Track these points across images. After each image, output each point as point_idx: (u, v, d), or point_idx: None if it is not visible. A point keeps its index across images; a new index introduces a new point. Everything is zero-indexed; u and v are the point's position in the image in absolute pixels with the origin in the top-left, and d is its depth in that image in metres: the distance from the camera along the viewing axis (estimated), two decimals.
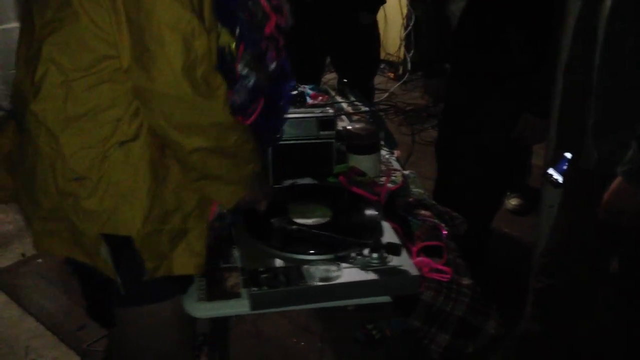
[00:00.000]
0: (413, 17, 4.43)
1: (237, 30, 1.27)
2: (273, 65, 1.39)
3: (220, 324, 1.71)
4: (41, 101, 1.18)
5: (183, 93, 1.14)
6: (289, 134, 1.65)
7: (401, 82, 4.69)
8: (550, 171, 1.94)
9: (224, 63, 1.25)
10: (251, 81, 1.31)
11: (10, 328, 2.45)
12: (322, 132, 1.69)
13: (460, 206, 1.76)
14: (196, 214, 1.31)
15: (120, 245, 1.24)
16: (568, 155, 1.83)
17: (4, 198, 1.38)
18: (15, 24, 3.21)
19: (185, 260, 1.30)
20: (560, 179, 1.91)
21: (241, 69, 1.29)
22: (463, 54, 2.35)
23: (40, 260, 2.80)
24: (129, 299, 1.31)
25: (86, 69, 1.16)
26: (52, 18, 1.16)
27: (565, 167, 1.87)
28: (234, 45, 1.27)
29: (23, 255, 2.85)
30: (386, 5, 3.37)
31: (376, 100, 4.15)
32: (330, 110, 1.74)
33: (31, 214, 1.27)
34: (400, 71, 4.79)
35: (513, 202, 3.27)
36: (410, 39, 4.57)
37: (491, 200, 2.65)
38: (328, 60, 3.34)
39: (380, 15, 3.42)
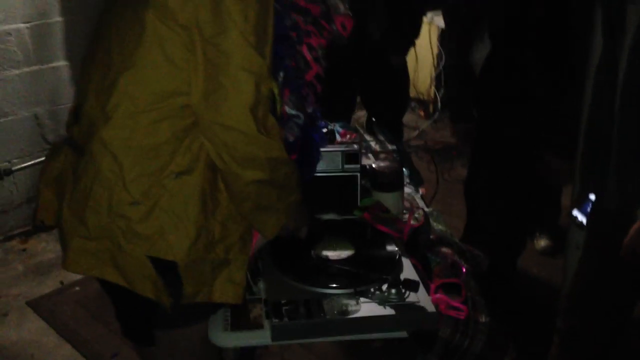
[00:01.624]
0: (444, 57, 4.50)
1: (281, 76, 1.40)
2: (310, 110, 1.53)
3: (245, 353, 1.76)
4: (111, 129, 1.28)
5: (248, 129, 1.26)
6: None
7: (431, 120, 4.74)
8: (575, 212, 1.95)
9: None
10: (301, 120, 1.43)
11: (47, 354, 2.53)
12: (347, 166, 1.76)
13: (487, 243, 1.79)
14: (239, 246, 1.40)
15: (163, 269, 1.32)
16: (592, 196, 1.84)
17: (49, 220, 1.47)
18: (63, 62, 3.38)
19: (225, 289, 1.38)
20: (584, 220, 1.92)
21: (289, 110, 1.41)
22: (487, 101, 2.40)
23: (77, 288, 2.90)
24: (166, 321, 1.39)
25: (154, 104, 1.27)
26: (131, 53, 1.27)
27: (589, 209, 1.88)
28: (277, 91, 1.39)
29: (62, 283, 2.96)
30: (417, 44, 3.45)
31: (406, 137, 4.21)
32: (356, 145, 1.81)
33: (72, 233, 1.34)
34: (431, 109, 4.85)
35: (542, 242, 3.25)
36: (441, 78, 4.63)
37: (516, 240, 2.66)
38: (358, 98, 3.43)
39: (411, 54, 3.50)
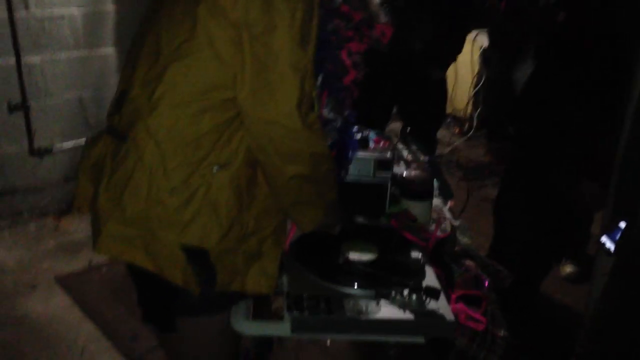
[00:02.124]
0: (483, 76, 4.49)
1: (320, 79, 1.44)
2: (347, 113, 1.58)
3: (264, 344, 1.80)
4: (157, 117, 1.33)
5: (294, 124, 1.30)
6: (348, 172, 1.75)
7: (465, 137, 4.74)
8: (604, 239, 1.95)
9: None
10: (339, 123, 1.46)
11: (70, 330, 2.60)
12: (378, 173, 1.78)
13: (511, 263, 1.80)
14: (272, 239, 1.44)
15: (194, 257, 1.36)
16: (622, 224, 1.84)
17: (85, 208, 1.52)
18: (111, 50, 3.48)
19: (258, 280, 1.43)
20: (612, 247, 1.91)
21: (327, 113, 1.46)
22: (526, 122, 2.41)
23: (105, 269, 2.98)
24: (190, 309, 1.43)
25: (199, 96, 1.32)
26: (180, 46, 1.31)
27: (618, 236, 1.88)
28: (314, 93, 1.42)
29: (90, 262, 3.04)
30: (458, 62, 3.46)
31: (439, 152, 4.21)
32: (389, 154, 1.84)
33: (108, 217, 1.38)
34: (466, 127, 4.84)
35: (567, 269, 3.22)
36: (479, 97, 4.63)
37: (540, 263, 2.65)
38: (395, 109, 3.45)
39: (451, 71, 3.52)
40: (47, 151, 3.35)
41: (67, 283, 2.88)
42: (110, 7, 3.40)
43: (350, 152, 1.74)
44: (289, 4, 1.26)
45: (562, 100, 2.25)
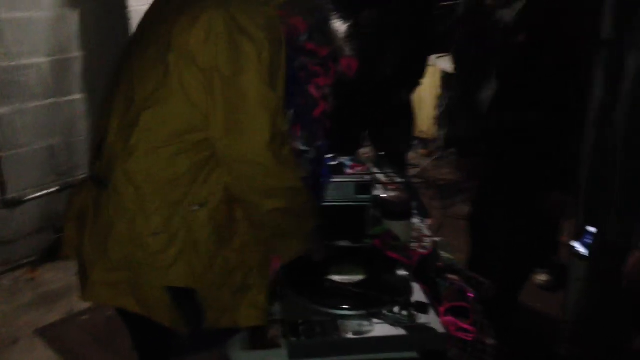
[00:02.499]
0: (445, 98, 4.64)
1: (291, 113, 1.49)
2: (319, 144, 1.62)
3: None
4: (134, 162, 1.36)
5: (267, 161, 1.34)
6: (328, 197, 1.80)
7: (433, 158, 4.85)
8: (575, 245, 2.03)
9: None
10: (312, 154, 1.52)
11: None
12: (359, 196, 1.84)
13: (490, 277, 1.86)
14: (257, 271, 1.47)
15: (180, 297, 1.38)
16: (592, 229, 1.92)
17: (71, 254, 1.53)
18: (80, 96, 3.50)
19: (249, 313, 1.45)
20: (585, 252, 2.00)
21: (300, 145, 1.51)
22: (494, 139, 2.50)
23: (86, 316, 2.94)
24: (185, 348, 1.45)
25: (173, 139, 1.35)
26: (153, 92, 1.35)
27: (589, 241, 1.96)
28: (286, 127, 1.47)
29: (70, 311, 2.99)
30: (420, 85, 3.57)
31: (408, 174, 4.30)
32: (367, 177, 1.90)
33: (94, 264, 1.40)
34: (432, 148, 4.97)
35: (542, 277, 3.32)
36: (442, 118, 4.76)
37: (518, 274, 2.72)
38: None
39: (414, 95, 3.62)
40: (19, 202, 3.32)
41: (48, 334, 2.83)
42: (76, 54, 3.42)
43: (323, 181, 1.78)
44: (255, 46, 1.31)
45: (527, 116, 2.34)
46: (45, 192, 3.43)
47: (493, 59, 2.34)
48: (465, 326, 1.52)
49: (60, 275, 3.30)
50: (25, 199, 3.36)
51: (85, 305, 3.02)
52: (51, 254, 3.43)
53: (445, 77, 4.58)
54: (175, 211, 1.36)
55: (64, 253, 1.53)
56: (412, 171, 4.59)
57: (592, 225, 1.93)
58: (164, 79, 1.34)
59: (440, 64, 4.45)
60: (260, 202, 1.39)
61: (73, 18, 3.36)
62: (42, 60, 3.29)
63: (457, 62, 2.69)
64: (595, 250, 1.94)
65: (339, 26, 1.59)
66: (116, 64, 1.51)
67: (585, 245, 2.01)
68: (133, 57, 1.45)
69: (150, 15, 1.50)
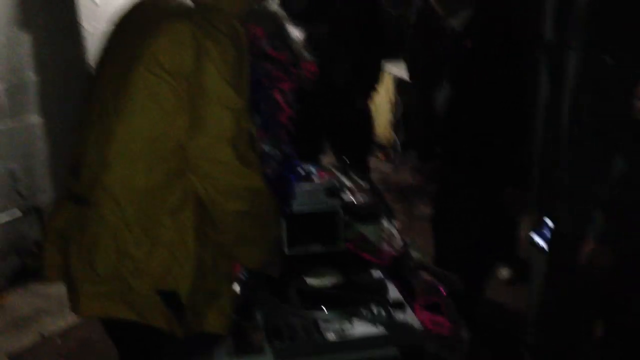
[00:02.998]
0: (400, 103, 4.76)
1: (257, 118, 1.54)
2: (285, 149, 1.68)
3: None
4: (111, 176, 1.40)
5: (228, 158, 1.38)
6: (299, 204, 1.86)
7: (392, 162, 4.97)
8: (534, 237, 2.13)
9: None
10: (278, 157, 1.56)
11: None
12: (328, 201, 1.91)
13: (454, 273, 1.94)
14: (227, 278, 1.51)
15: (169, 299, 1.42)
16: (548, 221, 2.03)
17: (54, 276, 1.54)
18: (36, 118, 3.47)
19: (217, 320, 1.48)
20: (543, 244, 2.10)
21: (268, 149, 1.56)
22: (450, 141, 2.60)
23: (59, 340, 2.92)
24: (174, 356, 1.48)
25: (147, 148, 1.39)
26: (125, 105, 1.39)
27: (547, 233, 2.06)
28: (254, 131, 1.52)
29: (42, 335, 2.96)
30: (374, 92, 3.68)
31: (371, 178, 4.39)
32: (335, 182, 1.97)
33: (83, 280, 1.43)
34: (390, 152, 5.08)
35: (504, 272, 3.44)
36: (398, 123, 4.88)
37: (482, 270, 2.83)
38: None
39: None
40: None
41: (22, 359, 2.80)
42: (31, 77, 3.39)
43: (291, 186, 1.84)
44: (220, 48, 1.37)
45: (479, 116, 2.46)
46: (8, 217, 3.37)
47: (444, 65, 2.44)
48: (441, 320, 1.60)
49: (28, 300, 3.26)
50: None
51: (57, 328, 3.00)
52: (18, 279, 3.39)
53: (399, 83, 4.71)
54: (154, 219, 1.40)
55: (48, 275, 1.54)
56: (373, 176, 4.69)
57: (545, 216, 2.02)
58: (134, 90, 1.39)
59: (394, 70, 4.57)
60: (224, 202, 1.42)
61: (26, 41, 3.33)
62: None
63: (409, 68, 2.79)
64: (552, 242, 2.03)
65: (297, 33, 1.67)
66: (86, 85, 1.55)
67: (542, 237, 2.11)
68: (102, 75, 1.49)
69: (114, 34, 1.55)
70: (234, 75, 1.39)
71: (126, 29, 1.51)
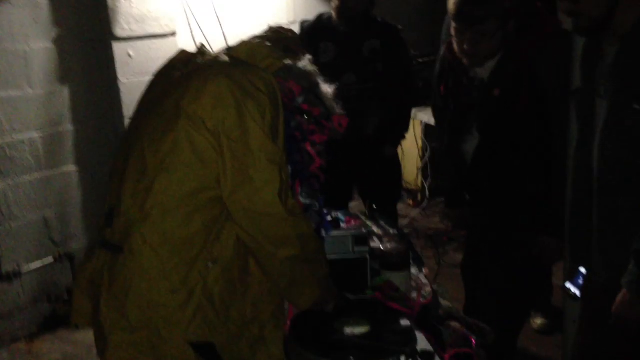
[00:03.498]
0: (428, 149, 4.77)
1: (290, 169, 1.58)
2: (319, 197, 1.73)
3: None
4: (150, 225, 1.43)
5: (279, 212, 1.44)
6: (328, 251, 1.84)
7: (421, 208, 4.94)
8: (568, 285, 2.09)
9: None
10: (317, 207, 1.60)
11: None
12: (357, 248, 1.91)
13: (487, 323, 1.91)
14: (273, 323, 1.53)
15: (203, 351, 1.42)
16: (582, 269, 1.99)
17: (82, 322, 1.58)
18: (73, 168, 3.55)
19: None
20: (577, 292, 2.05)
21: (303, 199, 1.59)
22: (480, 188, 2.59)
23: None
24: None
25: (187, 199, 1.44)
26: (165, 157, 1.45)
27: (581, 281, 2.02)
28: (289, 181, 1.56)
29: None
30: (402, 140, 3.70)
31: (400, 225, 4.37)
32: (364, 229, 1.96)
33: (113, 327, 1.44)
34: (419, 198, 5.06)
35: (538, 321, 3.35)
36: (427, 169, 4.88)
37: (515, 318, 2.77)
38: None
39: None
40: (15, 275, 3.32)
41: None
42: (68, 127, 3.50)
43: (325, 232, 1.87)
44: (260, 108, 1.44)
45: (509, 164, 2.45)
46: (41, 263, 3.43)
47: (471, 113, 2.45)
48: None
49: (57, 346, 3.29)
50: (22, 271, 3.36)
51: None
52: (48, 326, 3.42)
53: (427, 129, 4.72)
54: (192, 268, 1.43)
55: (75, 320, 1.57)
56: (400, 222, 4.66)
57: (580, 265, 1.99)
58: (176, 144, 1.44)
59: (422, 116, 4.59)
60: (274, 251, 1.47)
61: (64, 93, 3.45)
62: (34, 135, 3.36)
63: (436, 118, 2.80)
64: (585, 291, 1.99)
65: (328, 88, 1.71)
66: (124, 135, 1.61)
67: (577, 285, 2.07)
68: (140, 127, 1.55)
69: (153, 87, 1.61)
70: (273, 130, 1.45)
71: (165, 83, 1.58)
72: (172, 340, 1.41)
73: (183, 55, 1.63)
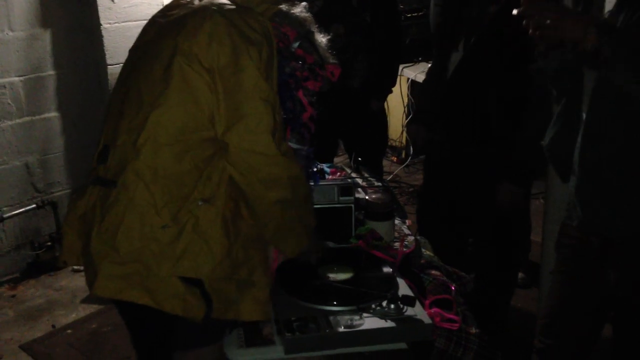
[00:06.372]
0: (414, 105, 4.77)
1: (282, 115, 1.57)
2: (307, 147, 1.72)
3: None
4: (142, 160, 1.44)
5: (271, 151, 1.45)
6: (314, 200, 1.87)
7: (404, 165, 4.97)
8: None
9: None
10: (305, 152, 1.61)
11: None
12: (342, 198, 1.93)
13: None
14: (261, 268, 1.54)
15: (192, 285, 1.44)
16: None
17: (72, 261, 1.58)
18: (54, 114, 3.52)
19: (252, 308, 1.52)
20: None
21: (293, 144, 1.59)
22: (449, 112, 2.61)
23: (69, 330, 2.95)
24: (186, 342, 1.50)
25: (179, 137, 1.44)
26: (160, 94, 1.45)
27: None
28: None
29: (53, 326, 3.00)
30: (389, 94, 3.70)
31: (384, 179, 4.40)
32: (349, 180, 1.98)
33: (102, 259, 1.45)
34: (403, 155, 5.09)
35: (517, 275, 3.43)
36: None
37: (507, 279, 2.84)
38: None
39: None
40: None
41: (33, 349, 2.83)
42: (50, 73, 3.45)
43: (313, 183, 1.87)
44: (255, 47, 1.44)
45: (481, 93, 2.44)
46: (23, 209, 3.42)
47: (462, 27, 2.45)
48: (450, 316, 1.61)
49: (41, 291, 3.31)
50: (4, 216, 3.35)
51: (69, 319, 3.04)
52: (31, 272, 3.43)
53: (414, 86, 4.71)
54: (183, 205, 1.44)
55: (63, 258, 1.58)
56: (386, 178, 4.70)
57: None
58: (170, 80, 1.44)
59: (408, 72, 4.58)
60: (266, 192, 1.48)
61: (45, 37, 3.39)
62: (15, 79, 3.31)
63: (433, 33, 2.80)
64: (561, 243, 2.01)
65: (322, 37, 1.71)
66: (119, 76, 1.60)
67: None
68: (137, 67, 1.54)
69: (149, 30, 1.60)
70: (267, 70, 1.46)
71: (161, 24, 1.56)
72: (161, 273, 1.43)
73: (175, 1, 1.61)
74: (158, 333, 1.53)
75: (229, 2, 1.53)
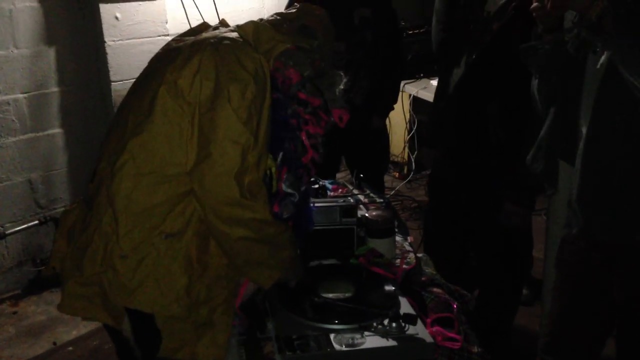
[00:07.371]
0: (416, 121, 4.78)
1: (280, 157, 1.58)
2: (304, 188, 1.69)
3: None
4: (116, 184, 1.44)
5: (232, 194, 1.41)
6: (316, 221, 1.87)
7: (406, 180, 4.97)
8: None
9: (264, 181, 1.53)
10: (296, 198, 1.60)
11: None
12: (344, 219, 1.93)
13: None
14: (223, 308, 1.52)
15: (143, 320, 1.46)
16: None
17: (57, 267, 1.59)
18: (58, 130, 3.53)
19: (209, 351, 1.50)
20: None
21: (285, 188, 1.58)
22: (450, 126, 2.61)
23: (71, 348, 2.95)
24: None
25: (156, 168, 1.44)
26: (142, 121, 1.46)
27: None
28: (274, 169, 1.57)
29: (54, 343, 2.99)
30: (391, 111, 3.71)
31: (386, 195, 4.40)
32: (351, 200, 1.98)
33: (69, 277, 1.49)
34: (405, 171, 5.09)
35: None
36: (414, 141, 4.89)
37: (511, 298, 2.82)
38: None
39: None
40: (0, 236, 3.32)
41: None
42: (54, 89, 3.46)
43: (308, 224, 1.82)
44: (239, 86, 1.42)
45: (480, 109, 2.44)
46: (26, 225, 3.43)
47: (466, 45, 2.46)
48: (452, 335, 1.60)
49: (42, 308, 3.30)
50: (7, 232, 3.36)
51: (70, 336, 3.03)
52: (33, 287, 3.43)
53: (415, 102, 4.73)
54: (146, 238, 1.44)
55: (52, 264, 1.60)
56: (388, 194, 4.69)
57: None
58: (153, 110, 1.44)
59: (410, 89, 4.59)
60: (229, 230, 1.44)
61: (49, 54, 3.41)
62: (19, 96, 3.33)
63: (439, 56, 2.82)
64: (561, 258, 2.00)
65: (339, 78, 1.68)
66: (123, 100, 1.63)
67: None
68: (135, 92, 1.57)
69: (159, 54, 1.61)
70: (249, 111, 1.43)
71: (165, 51, 1.58)
72: (115, 302, 1.45)
73: (199, 27, 1.64)
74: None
75: (235, 36, 1.52)
